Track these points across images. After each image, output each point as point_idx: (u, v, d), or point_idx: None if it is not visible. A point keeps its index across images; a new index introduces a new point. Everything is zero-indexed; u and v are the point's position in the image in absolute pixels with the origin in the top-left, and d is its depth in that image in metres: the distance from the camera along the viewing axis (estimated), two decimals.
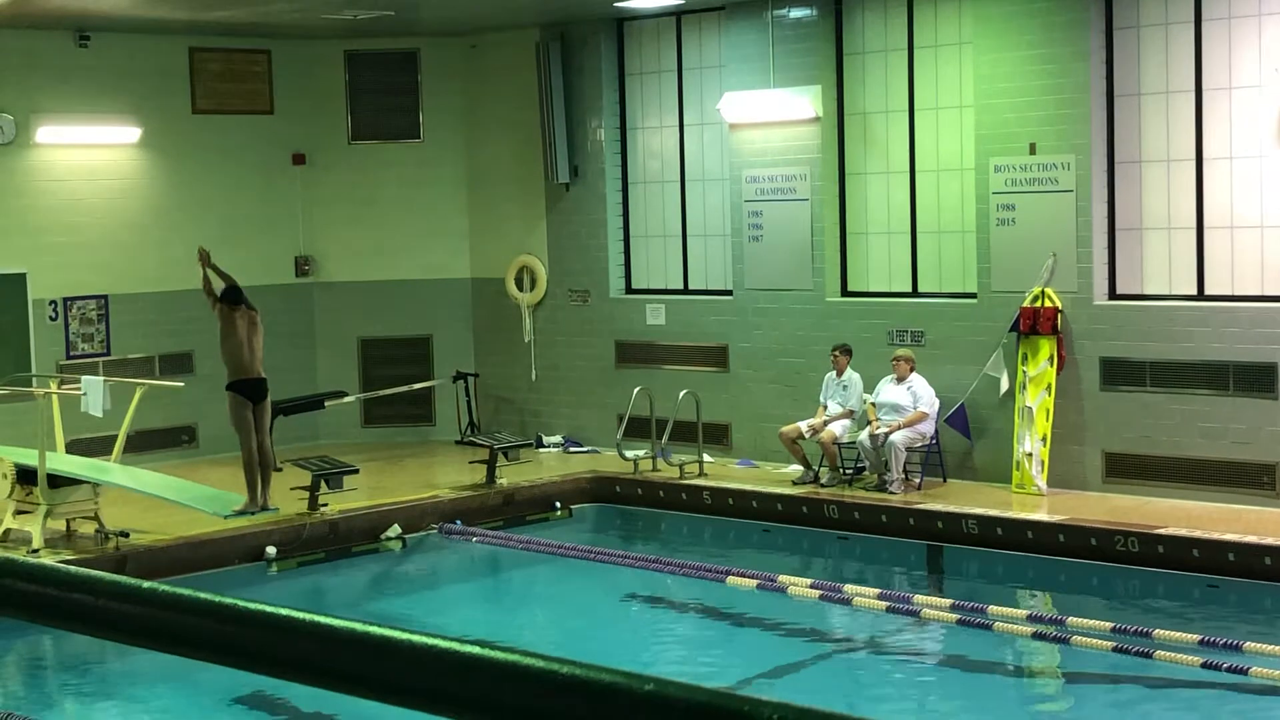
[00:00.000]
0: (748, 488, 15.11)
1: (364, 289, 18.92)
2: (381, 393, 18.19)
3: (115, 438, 14.34)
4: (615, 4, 16.56)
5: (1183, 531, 12.48)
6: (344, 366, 18.84)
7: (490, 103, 18.67)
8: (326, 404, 17.69)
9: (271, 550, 13.72)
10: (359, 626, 1.91)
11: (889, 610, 11.74)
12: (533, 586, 13.84)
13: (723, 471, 15.85)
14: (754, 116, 16.27)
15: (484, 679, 1.79)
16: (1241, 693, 9.80)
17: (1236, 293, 13.64)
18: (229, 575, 13.15)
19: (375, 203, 18.95)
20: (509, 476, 15.74)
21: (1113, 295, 14.26)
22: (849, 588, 12.19)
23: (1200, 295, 13.85)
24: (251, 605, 2.00)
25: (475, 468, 15.80)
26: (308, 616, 1.92)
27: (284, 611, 1.97)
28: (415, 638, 1.84)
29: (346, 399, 17.90)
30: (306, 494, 14.28)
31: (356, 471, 14.63)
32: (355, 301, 18.88)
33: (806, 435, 15.03)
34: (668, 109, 17.51)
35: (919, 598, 11.90)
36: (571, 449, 17.60)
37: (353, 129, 18.94)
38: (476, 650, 1.80)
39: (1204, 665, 9.98)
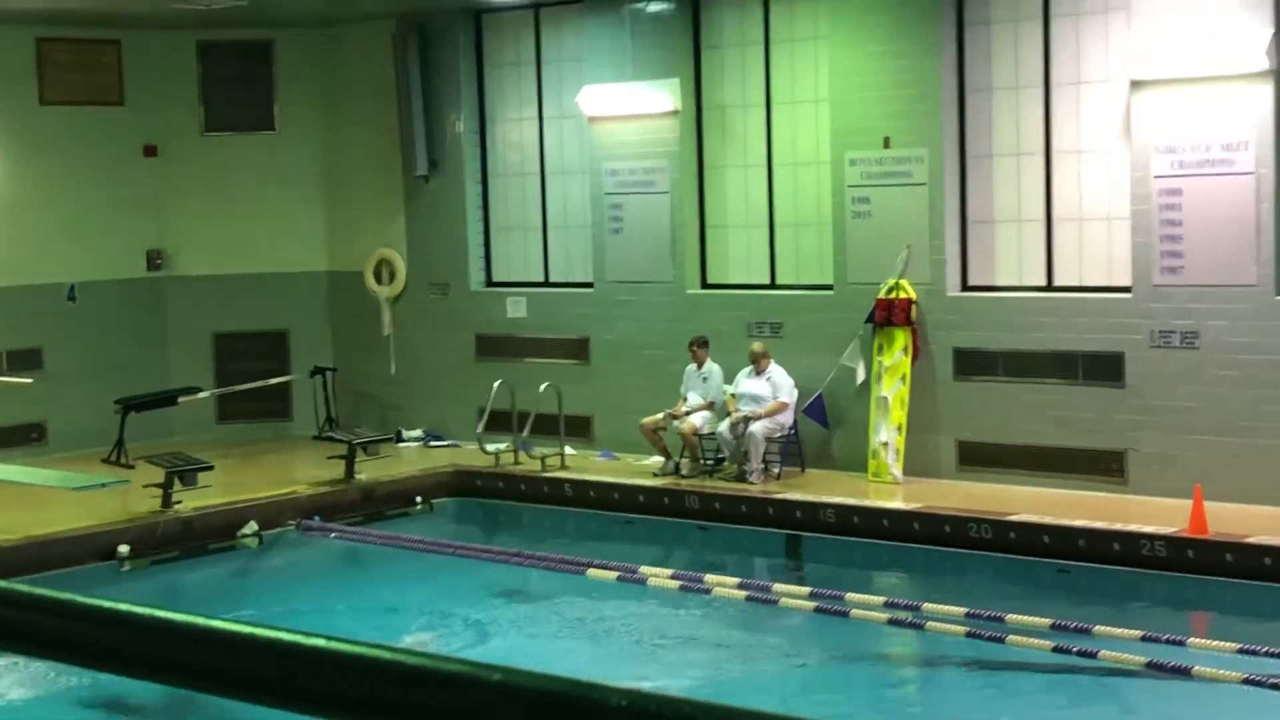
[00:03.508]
0: (609, 480, 15.13)
1: (218, 283, 18.63)
2: (237, 388, 17.93)
3: None
4: None
5: (1034, 518, 12.72)
6: (197, 362, 18.54)
7: (347, 95, 18.49)
8: (179, 400, 17.40)
9: (124, 549, 13.47)
10: (200, 621, 1.88)
11: (748, 599, 11.83)
12: (393, 582, 13.73)
13: (584, 464, 15.86)
14: (613, 109, 16.28)
15: (328, 671, 1.77)
16: (1091, 675, 10.01)
17: (1085, 283, 13.93)
18: (80, 575, 12.89)
19: (229, 195, 18.67)
20: (368, 471, 15.61)
21: (965, 286, 14.50)
22: (709, 578, 12.26)
23: (1050, 286, 14.13)
24: (90, 600, 1.96)
25: (333, 463, 15.64)
26: (148, 611, 1.89)
27: (123, 606, 1.93)
28: (258, 630, 1.81)
29: (200, 394, 17.61)
30: (159, 491, 14.04)
31: (211, 468, 14.41)
32: (209, 295, 18.59)
33: (665, 426, 15.09)
34: (527, 101, 17.46)
35: (778, 586, 12.01)
36: (432, 443, 17.49)
37: (206, 120, 18.64)
38: (320, 642, 1.78)
39: (1055, 649, 10.18)
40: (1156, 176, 13.14)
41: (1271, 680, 9.27)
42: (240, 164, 18.63)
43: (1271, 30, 12.51)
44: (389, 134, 17.92)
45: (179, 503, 14.09)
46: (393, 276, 18.26)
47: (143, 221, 18.43)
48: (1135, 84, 13.24)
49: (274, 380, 18.16)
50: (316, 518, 14.72)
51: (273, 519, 14.56)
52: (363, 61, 18.23)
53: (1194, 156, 12.95)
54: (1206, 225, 12.92)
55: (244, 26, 18.16)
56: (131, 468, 15.49)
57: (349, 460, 15.49)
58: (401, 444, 17.41)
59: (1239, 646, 9.91)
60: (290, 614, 12.21)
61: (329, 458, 15.80)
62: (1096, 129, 13.79)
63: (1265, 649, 9.81)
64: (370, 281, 18.35)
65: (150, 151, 18.42)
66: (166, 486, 14.05)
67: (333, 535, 14.51)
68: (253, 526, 14.36)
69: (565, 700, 1.68)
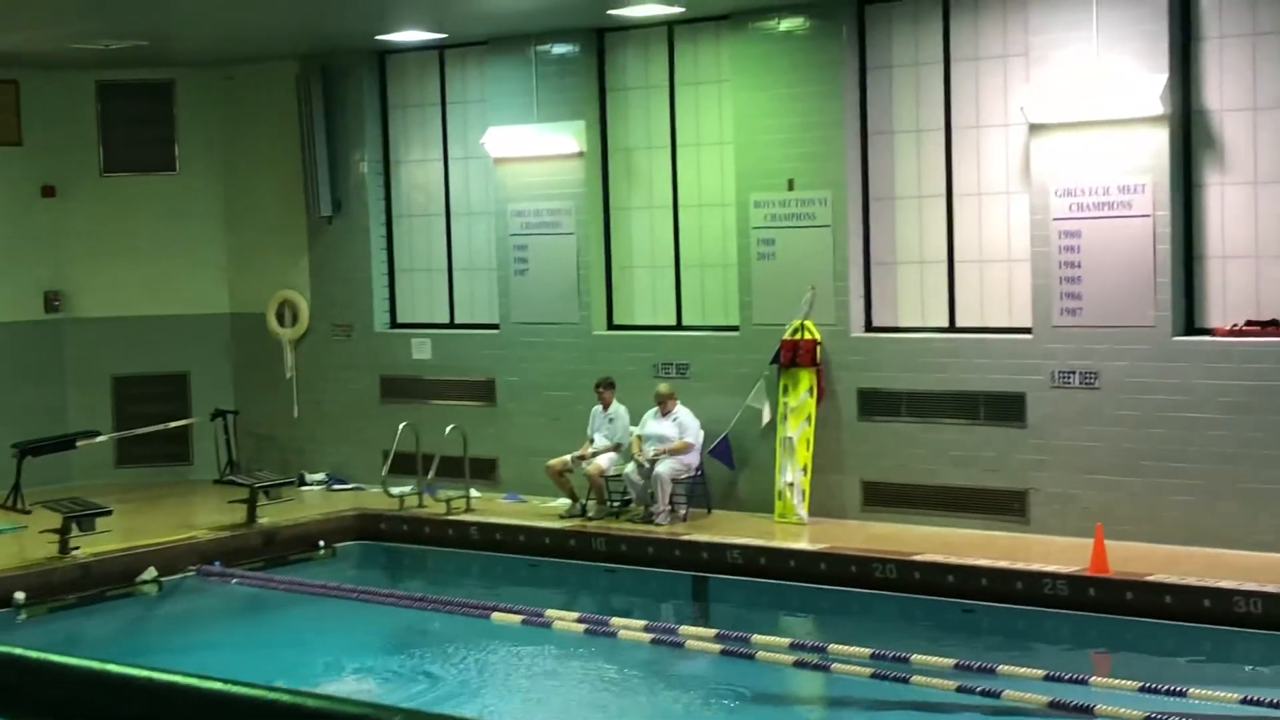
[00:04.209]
0: (515, 522, 15.06)
1: (118, 325, 18.38)
2: (136, 431, 17.66)
3: None
4: (376, 37, 16.43)
5: (938, 558, 12.79)
6: (96, 405, 18.25)
7: (249, 135, 18.34)
8: (78, 444, 17.11)
9: (20, 596, 13.21)
10: (97, 665, 1.83)
11: (654, 642, 11.79)
12: (295, 628, 13.55)
13: (490, 506, 15.78)
14: (518, 151, 16.29)
15: (227, 714, 1.74)
16: (995, 715, 10.06)
17: (986, 324, 14.08)
18: None
19: (129, 236, 18.44)
20: (270, 516, 15.43)
21: (869, 327, 14.61)
22: (615, 620, 12.20)
23: (952, 327, 14.26)
24: None
25: (235, 507, 15.45)
26: (41, 655, 1.84)
27: (18, 650, 1.88)
28: (156, 674, 1.77)
29: (99, 438, 17.33)
30: (57, 537, 13.78)
31: (109, 513, 14.17)
32: (108, 337, 18.33)
33: (572, 468, 15.05)
34: (431, 142, 17.43)
35: (684, 629, 11.98)
36: (335, 486, 17.33)
37: (105, 161, 18.42)
38: (219, 686, 1.74)
39: (959, 689, 10.21)
40: (1055, 219, 13.32)
41: (1173, 718, 9.36)
42: (140, 205, 18.42)
43: (1165, 75, 12.75)
44: (292, 174, 17.80)
45: (77, 548, 13.84)
46: (295, 318, 18.10)
47: (41, 263, 18.16)
48: (1034, 128, 13.43)
49: (174, 423, 17.90)
50: (217, 563, 14.51)
51: (173, 564, 14.34)
52: (265, 102, 18.11)
53: (1092, 199, 13.15)
54: (1105, 267, 13.11)
55: (144, 66, 17.99)
56: (28, 513, 15.22)
57: (250, 504, 15.31)
58: (304, 487, 17.23)
59: (1140, 685, 10.00)
60: (190, 660, 12.01)
61: (230, 502, 15.60)
62: (997, 172, 13.97)
63: (1166, 687, 9.91)
64: (272, 323, 18.18)
65: (49, 192, 18.18)
66: (64, 532, 13.80)
67: (234, 581, 14.30)
68: (152, 572, 14.14)
69: None
